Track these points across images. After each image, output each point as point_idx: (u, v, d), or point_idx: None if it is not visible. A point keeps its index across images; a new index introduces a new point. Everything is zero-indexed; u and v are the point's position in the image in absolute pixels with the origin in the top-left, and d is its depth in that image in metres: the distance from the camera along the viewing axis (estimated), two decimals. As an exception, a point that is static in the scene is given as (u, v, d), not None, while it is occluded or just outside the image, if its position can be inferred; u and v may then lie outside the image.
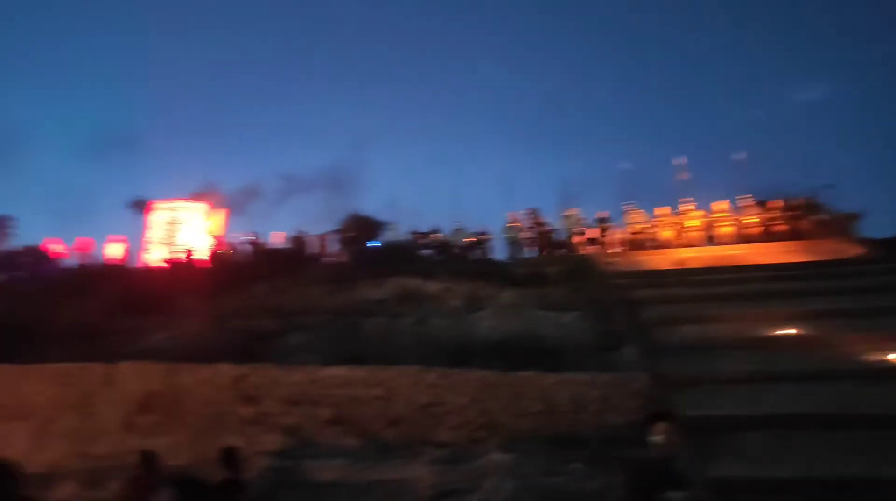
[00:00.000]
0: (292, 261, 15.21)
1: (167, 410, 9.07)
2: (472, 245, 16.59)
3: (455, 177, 49.32)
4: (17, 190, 34.93)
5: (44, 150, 45.94)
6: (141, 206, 20.38)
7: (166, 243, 19.15)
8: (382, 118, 53.63)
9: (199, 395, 9.12)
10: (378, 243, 16.75)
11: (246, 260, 16.63)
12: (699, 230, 16.20)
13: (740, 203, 16.51)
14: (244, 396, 9.06)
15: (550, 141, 50.10)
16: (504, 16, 55.07)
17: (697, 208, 16.70)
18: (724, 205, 16.50)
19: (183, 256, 17.06)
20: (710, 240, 16.11)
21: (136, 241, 19.49)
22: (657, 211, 16.74)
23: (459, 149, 54.02)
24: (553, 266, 13.87)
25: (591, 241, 16.54)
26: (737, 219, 16.21)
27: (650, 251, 15.63)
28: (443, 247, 16.55)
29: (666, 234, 16.37)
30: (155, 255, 18.80)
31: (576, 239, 16.57)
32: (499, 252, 16.68)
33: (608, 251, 16.14)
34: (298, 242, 17.02)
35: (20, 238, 18.42)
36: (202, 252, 17.64)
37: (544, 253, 16.32)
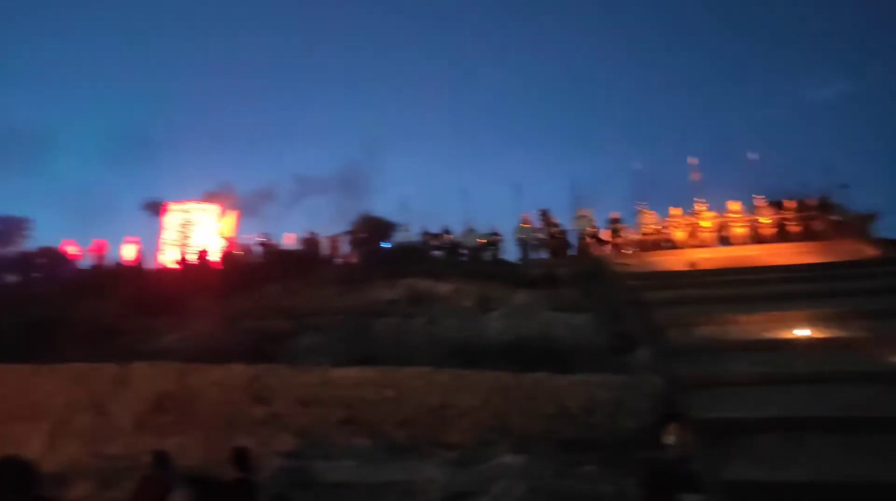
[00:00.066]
0: (304, 262, 15.27)
1: (180, 410, 9.11)
2: (483, 246, 16.56)
3: (467, 178, 49.26)
4: (33, 191, 35.28)
5: (59, 152, 46.42)
6: (155, 207, 20.55)
7: (180, 245, 19.28)
8: (395, 120, 53.74)
9: (211, 396, 9.16)
10: (389, 244, 16.76)
11: (258, 261, 16.71)
12: (712, 231, 16.09)
13: (754, 203, 16.37)
14: (256, 397, 9.09)
15: (563, 141, 49.96)
16: (516, 16, 55.04)
17: (711, 209, 16.58)
18: (737, 205, 16.36)
19: (196, 257, 17.16)
20: (724, 241, 15.99)
21: (151, 242, 19.68)
22: (670, 211, 16.64)
23: (471, 149, 54.05)
24: (565, 267, 13.82)
25: (604, 242, 16.47)
26: (751, 219, 16.07)
27: (663, 252, 15.54)
28: (454, 248, 16.53)
29: (679, 235, 16.27)
30: (169, 256, 18.95)
31: (588, 240, 16.48)
32: (510, 253, 16.66)
33: (621, 252, 16.06)
34: (310, 243, 17.08)
35: (36, 239, 18.68)
36: (215, 254, 17.75)
37: (556, 254, 16.25)
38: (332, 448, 8.32)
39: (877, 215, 15.23)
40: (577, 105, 55.45)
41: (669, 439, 5.66)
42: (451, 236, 16.75)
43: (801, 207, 15.97)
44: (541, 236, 16.71)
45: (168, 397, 9.25)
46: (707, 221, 16.20)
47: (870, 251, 12.99)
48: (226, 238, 19.71)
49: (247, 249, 18.06)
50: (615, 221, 16.79)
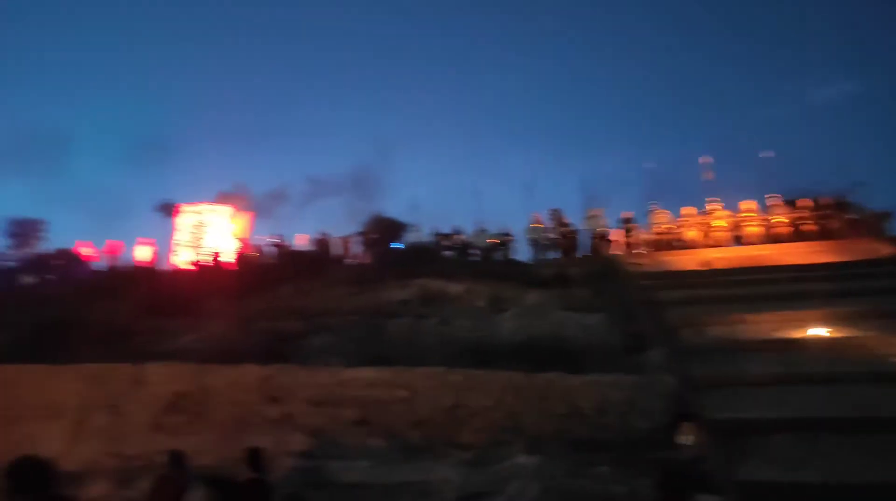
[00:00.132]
0: (317, 263, 15.32)
1: (194, 410, 9.19)
2: (494, 246, 16.55)
3: (477, 178, 49.21)
4: (49, 193, 35.65)
5: (75, 153, 46.82)
6: (169, 209, 20.70)
7: (193, 246, 19.42)
8: (406, 121, 53.80)
9: (225, 396, 9.23)
10: (401, 245, 16.79)
11: (271, 262, 16.79)
12: (726, 230, 15.97)
13: (768, 202, 16.24)
14: (270, 397, 9.14)
15: (573, 141, 49.78)
16: (527, 16, 54.92)
17: (724, 208, 16.47)
18: (751, 204, 16.23)
19: (210, 258, 17.28)
20: (738, 240, 15.88)
21: (165, 243, 19.83)
22: (683, 211, 16.55)
23: (482, 150, 54.01)
24: (577, 267, 13.78)
25: (610, 242, 16.40)
26: (765, 219, 15.94)
27: (676, 252, 15.45)
28: (465, 248, 16.53)
29: (692, 234, 16.17)
30: (182, 257, 19.09)
31: (600, 240, 16.42)
32: (522, 253, 16.63)
33: (633, 252, 15.99)
34: (322, 244, 17.15)
35: (52, 241, 18.89)
36: (228, 255, 17.86)
37: (568, 254, 16.20)
38: (345, 448, 8.35)
39: (892, 214, 15.08)
40: (587, 105, 55.36)
41: (683, 439, 5.64)
42: (463, 237, 16.75)
43: (816, 206, 15.83)
44: (552, 235, 16.67)
45: (183, 397, 9.32)
46: (720, 220, 16.09)
47: (885, 250, 12.85)
48: (239, 239, 19.83)
49: (259, 250, 18.16)
50: (627, 220, 16.73)
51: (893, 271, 11.09)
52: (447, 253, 16.42)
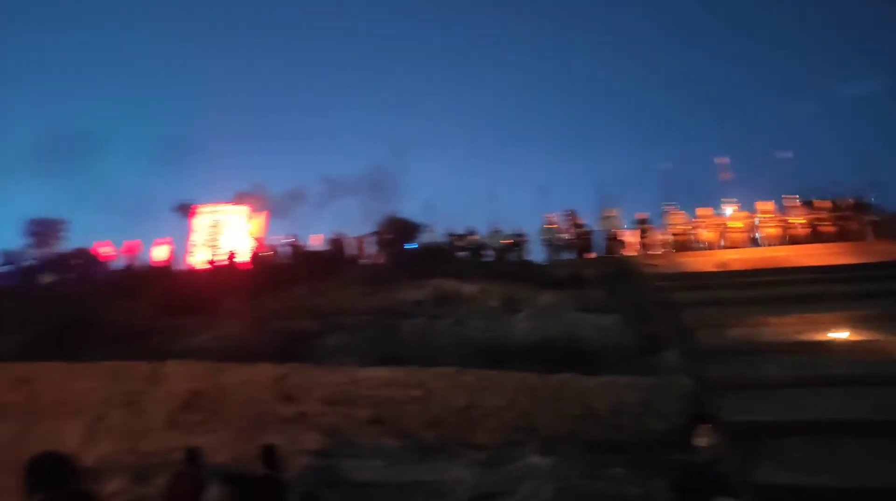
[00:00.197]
0: (331, 263, 15.40)
1: (210, 408, 9.26)
2: (508, 247, 16.53)
3: (492, 179, 49.18)
4: (68, 193, 36.10)
5: (94, 154, 47.37)
6: (186, 209, 20.89)
7: (210, 246, 19.58)
8: (422, 122, 53.90)
9: (240, 394, 9.30)
10: (415, 245, 16.82)
11: (286, 262, 16.89)
12: (743, 232, 15.84)
13: (786, 203, 16.09)
14: (285, 395, 9.20)
15: (589, 141, 49.54)
16: (541, 16, 54.78)
17: (741, 209, 16.33)
18: (768, 205, 16.09)
19: (225, 258, 17.41)
20: (755, 241, 15.74)
21: (182, 243, 20.02)
22: (699, 212, 16.43)
23: (496, 151, 53.88)
24: (591, 268, 13.73)
25: (624, 243, 16.32)
26: (782, 220, 15.80)
27: (692, 253, 15.35)
28: (479, 249, 16.53)
29: (708, 235, 16.06)
30: (199, 257, 19.25)
31: (615, 240, 16.35)
32: (536, 254, 16.59)
33: (648, 253, 15.90)
34: (337, 244, 17.22)
35: (71, 241, 19.15)
36: (244, 255, 18.00)
37: (582, 255, 16.15)
38: (359, 447, 8.38)
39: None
40: (604, 105, 55.01)
41: (700, 441, 5.60)
42: (477, 237, 16.75)
43: (835, 207, 15.65)
44: (566, 236, 16.62)
45: (199, 395, 9.40)
46: (737, 221, 15.96)
47: (906, 252, 12.68)
48: (254, 239, 19.97)
49: (275, 250, 18.27)
50: (643, 221, 16.64)
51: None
52: (461, 254, 16.43)
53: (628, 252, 15.88)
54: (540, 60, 55.46)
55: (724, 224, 16.05)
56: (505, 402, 8.51)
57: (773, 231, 15.68)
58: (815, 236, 15.20)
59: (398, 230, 16.98)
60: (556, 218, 16.85)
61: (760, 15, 48.31)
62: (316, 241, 17.95)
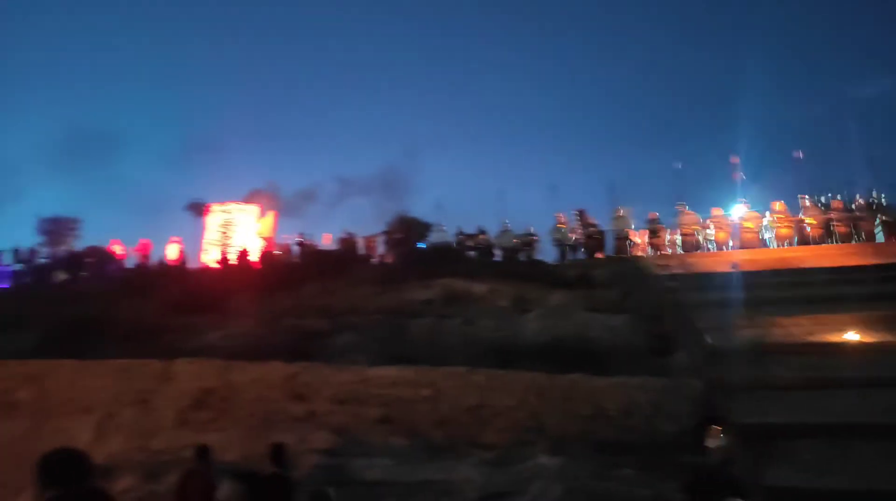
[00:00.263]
0: (341, 262, 15.42)
1: (220, 406, 9.29)
2: (519, 247, 16.49)
3: (502, 178, 49.10)
4: (83, 191, 36.41)
5: (110, 152, 47.79)
6: (198, 208, 21.00)
7: (221, 245, 19.67)
8: (433, 122, 53.94)
9: (251, 392, 9.32)
10: (425, 245, 16.82)
11: (296, 261, 16.94)
12: (755, 232, 15.71)
13: (799, 204, 15.94)
14: (294, 394, 9.22)
15: (601, 140, 49.36)
16: (550, 16, 54.65)
17: (753, 209, 16.20)
18: (781, 205, 15.95)
19: (236, 257, 17.49)
20: (767, 242, 15.62)
21: (194, 242, 20.13)
22: (712, 212, 16.32)
23: (508, 151, 53.86)
24: (602, 268, 13.67)
25: (634, 243, 16.22)
26: (795, 220, 15.66)
27: (703, 253, 15.24)
28: (489, 248, 16.50)
29: (720, 235, 15.94)
30: (211, 256, 19.35)
31: (626, 240, 16.26)
32: (546, 254, 16.54)
33: (659, 253, 15.81)
34: (347, 243, 17.25)
35: (85, 239, 19.29)
36: (255, 253, 18.07)
37: (593, 255, 16.08)
38: (369, 446, 8.39)
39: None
40: (615, 104, 54.80)
41: (711, 443, 5.57)
42: (487, 237, 16.72)
43: (849, 207, 15.51)
44: (577, 236, 16.56)
45: (209, 393, 9.44)
46: (750, 221, 15.84)
47: (921, 253, 12.54)
48: (265, 238, 20.04)
49: (285, 249, 18.33)
50: (654, 221, 16.54)
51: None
52: (471, 253, 16.41)
53: (639, 252, 15.79)
54: (550, 60, 55.44)
55: (737, 224, 15.93)
56: (514, 402, 8.49)
57: (785, 231, 15.54)
58: (828, 237, 15.07)
59: (408, 230, 16.97)
60: (567, 218, 16.79)
61: (774, 14, 47.95)
62: (326, 240, 18.02)
